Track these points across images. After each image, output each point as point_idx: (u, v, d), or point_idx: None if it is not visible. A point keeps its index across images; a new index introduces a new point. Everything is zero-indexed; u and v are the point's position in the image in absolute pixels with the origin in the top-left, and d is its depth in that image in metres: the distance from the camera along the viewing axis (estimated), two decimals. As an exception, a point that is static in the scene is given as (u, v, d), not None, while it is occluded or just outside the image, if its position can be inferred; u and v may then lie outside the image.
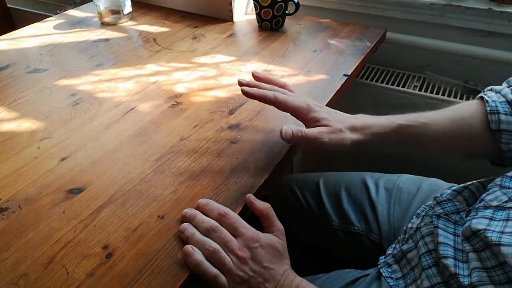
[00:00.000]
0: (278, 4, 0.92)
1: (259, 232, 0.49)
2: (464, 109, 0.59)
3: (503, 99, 0.56)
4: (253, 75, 0.64)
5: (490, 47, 0.94)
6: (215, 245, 0.46)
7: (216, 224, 0.47)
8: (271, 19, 0.95)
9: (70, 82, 0.79)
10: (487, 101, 0.56)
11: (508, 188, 0.49)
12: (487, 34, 0.94)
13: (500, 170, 0.58)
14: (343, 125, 0.57)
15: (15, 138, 0.64)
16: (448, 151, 0.62)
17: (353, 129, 0.57)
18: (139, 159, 0.59)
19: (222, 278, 0.45)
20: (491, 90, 0.59)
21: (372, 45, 0.89)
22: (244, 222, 0.49)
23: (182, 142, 0.62)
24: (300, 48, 0.89)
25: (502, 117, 0.54)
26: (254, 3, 0.94)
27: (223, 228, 0.47)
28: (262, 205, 0.51)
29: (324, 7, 1.10)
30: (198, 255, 0.45)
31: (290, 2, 0.94)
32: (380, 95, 1.04)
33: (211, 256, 0.45)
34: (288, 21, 0.99)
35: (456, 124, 0.58)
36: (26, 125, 0.67)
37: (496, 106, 0.55)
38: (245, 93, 0.58)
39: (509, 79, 0.58)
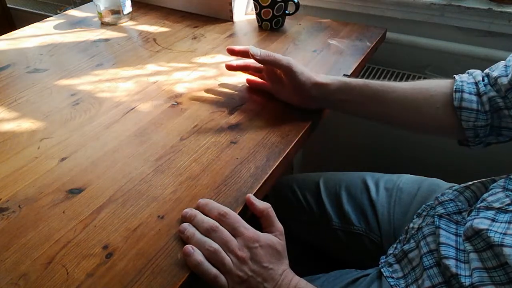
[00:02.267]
0: (278, 4, 0.92)
1: (259, 232, 0.49)
2: (432, 83, 0.61)
3: (472, 80, 0.58)
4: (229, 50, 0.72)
5: (490, 47, 0.94)
6: (215, 245, 0.46)
7: (216, 224, 0.47)
8: (271, 19, 0.95)
9: (70, 82, 0.79)
10: (456, 80, 0.59)
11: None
12: (487, 34, 0.94)
13: (500, 170, 0.58)
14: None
15: (15, 138, 0.64)
16: (409, 120, 0.62)
17: (320, 75, 0.64)
18: (139, 159, 0.59)
19: (222, 278, 0.45)
20: (467, 72, 0.61)
21: (372, 45, 0.89)
22: (244, 222, 0.49)
23: (182, 142, 0.62)
24: (300, 48, 0.89)
25: (465, 95, 0.56)
26: (254, 3, 0.94)
27: (223, 228, 0.47)
28: (262, 205, 0.51)
29: (324, 7, 1.10)
30: (198, 255, 0.45)
31: (290, 2, 0.94)
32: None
33: (211, 256, 0.45)
34: (288, 21, 0.99)
35: (417, 91, 0.60)
36: (26, 125, 0.67)
37: (462, 85, 0.57)
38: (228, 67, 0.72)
39: (492, 66, 0.60)
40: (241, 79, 0.78)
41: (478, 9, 0.90)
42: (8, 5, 1.75)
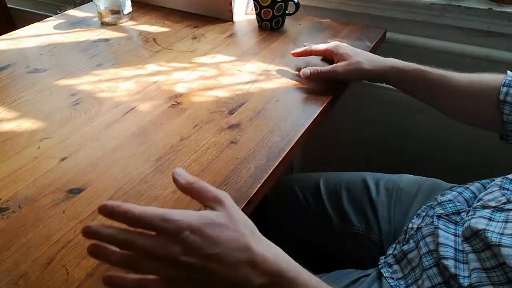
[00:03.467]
0: (278, 4, 0.92)
1: (185, 214, 0.36)
2: (486, 75, 0.62)
3: None
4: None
5: (490, 47, 0.94)
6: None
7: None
8: (271, 19, 0.95)
9: (70, 82, 0.79)
10: (507, 75, 0.59)
11: (508, 190, 0.50)
12: (487, 34, 0.94)
13: (500, 171, 0.58)
14: (364, 57, 0.66)
15: (15, 138, 0.64)
16: (460, 110, 0.64)
17: (373, 60, 0.65)
18: (139, 159, 0.59)
19: None
20: None
21: (372, 45, 0.89)
22: (169, 212, 0.35)
23: (182, 142, 0.62)
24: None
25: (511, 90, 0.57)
26: (254, 3, 0.94)
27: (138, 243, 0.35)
28: (186, 181, 0.39)
29: (324, 7, 1.10)
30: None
31: (290, 2, 0.94)
32: (380, 95, 1.04)
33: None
34: (288, 21, 0.99)
35: (472, 81, 0.62)
36: (26, 125, 0.67)
37: (511, 81, 0.58)
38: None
39: None
40: (241, 79, 0.78)
41: (478, 9, 0.90)
42: (8, 5, 1.74)
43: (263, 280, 0.35)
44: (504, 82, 0.58)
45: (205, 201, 0.39)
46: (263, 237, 0.39)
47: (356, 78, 0.70)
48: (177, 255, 0.34)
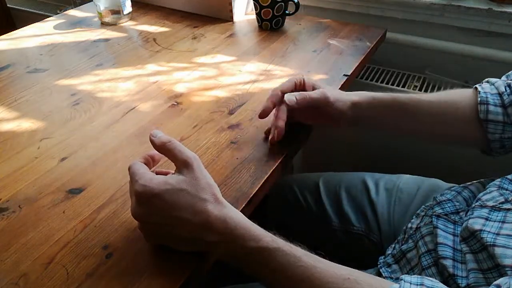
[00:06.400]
0: (278, 4, 0.92)
1: (152, 180, 0.42)
2: (457, 93, 0.62)
3: (495, 91, 0.58)
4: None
5: (490, 47, 0.94)
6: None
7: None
8: (271, 19, 0.95)
9: (70, 82, 0.79)
10: (479, 91, 0.58)
11: (506, 189, 0.50)
12: (487, 34, 0.94)
13: (500, 171, 0.58)
14: (333, 91, 0.62)
15: (15, 138, 0.64)
16: (437, 132, 0.63)
17: (353, 94, 0.62)
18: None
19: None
20: (487, 82, 0.61)
21: (372, 45, 0.89)
22: (141, 174, 0.43)
23: (182, 142, 0.62)
24: (300, 48, 0.89)
25: (491, 107, 0.57)
26: (254, 3, 0.94)
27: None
28: (160, 141, 0.44)
29: (324, 7, 1.10)
30: None
31: (290, 2, 0.94)
32: (380, 95, 1.04)
33: None
34: (288, 21, 0.99)
35: (444, 104, 0.60)
36: (26, 125, 0.67)
37: (487, 97, 0.57)
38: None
39: (509, 73, 0.60)
40: (241, 79, 0.78)
41: (478, 9, 0.90)
42: (8, 5, 1.74)
43: (214, 238, 0.41)
44: (480, 100, 0.57)
45: (176, 162, 0.44)
46: (224, 201, 0.43)
47: (343, 114, 0.61)
48: (141, 215, 0.42)
